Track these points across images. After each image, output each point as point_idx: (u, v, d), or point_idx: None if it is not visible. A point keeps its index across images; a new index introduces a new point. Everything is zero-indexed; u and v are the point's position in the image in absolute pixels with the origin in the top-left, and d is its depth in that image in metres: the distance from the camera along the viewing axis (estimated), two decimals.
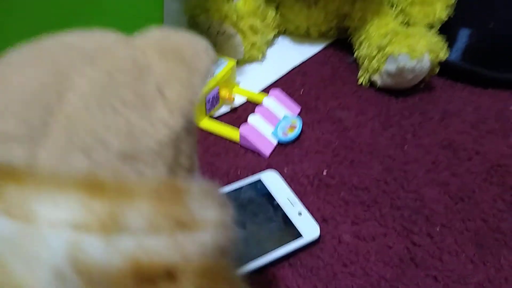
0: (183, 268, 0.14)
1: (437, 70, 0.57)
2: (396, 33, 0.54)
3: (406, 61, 0.52)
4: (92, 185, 0.13)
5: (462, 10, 0.62)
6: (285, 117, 0.53)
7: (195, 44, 0.17)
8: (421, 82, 0.58)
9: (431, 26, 0.60)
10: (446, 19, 0.60)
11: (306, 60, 0.65)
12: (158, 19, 0.40)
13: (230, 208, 0.16)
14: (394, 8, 0.62)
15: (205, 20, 0.56)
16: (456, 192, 0.46)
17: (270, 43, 0.67)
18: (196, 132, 0.19)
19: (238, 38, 0.58)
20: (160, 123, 0.15)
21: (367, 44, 0.59)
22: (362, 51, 0.60)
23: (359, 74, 0.60)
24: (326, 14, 0.64)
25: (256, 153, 0.49)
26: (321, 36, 0.68)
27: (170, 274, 0.14)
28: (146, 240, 0.14)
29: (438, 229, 0.42)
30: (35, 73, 0.15)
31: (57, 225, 0.12)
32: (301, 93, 0.59)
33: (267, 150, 0.49)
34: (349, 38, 0.65)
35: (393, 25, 0.58)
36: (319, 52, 0.67)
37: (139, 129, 0.15)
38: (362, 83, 0.60)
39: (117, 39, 0.17)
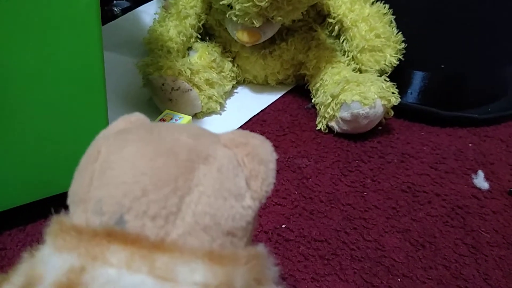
0: None
1: (392, 113, 0.58)
2: (347, 81, 0.55)
3: (359, 108, 0.53)
4: (212, 255, 0.18)
5: (414, 54, 0.63)
6: None
7: (267, 147, 0.22)
8: (378, 125, 0.59)
9: (383, 71, 0.61)
10: (397, 63, 0.62)
11: (265, 108, 0.66)
12: (100, 94, 0.40)
13: (276, 268, 0.22)
14: (346, 56, 0.63)
15: (158, 78, 0.56)
16: (417, 239, 0.45)
17: (229, 94, 0.67)
18: None
19: (194, 92, 0.58)
20: (249, 209, 0.20)
21: (322, 91, 0.59)
22: (318, 98, 0.60)
23: (317, 120, 0.60)
24: (282, 63, 0.65)
25: None
26: (280, 84, 0.69)
27: None
28: None
29: (399, 280, 0.41)
30: (166, 164, 0.19)
31: (194, 285, 0.16)
32: None
33: None
34: (307, 85, 0.66)
35: (345, 73, 0.59)
36: (277, 99, 0.67)
37: (238, 213, 0.20)
38: (320, 129, 0.60)
39: (213, 139, 0.22)
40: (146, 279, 0.16)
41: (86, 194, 0.19)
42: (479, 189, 0.51)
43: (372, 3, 0.63)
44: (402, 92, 0.60)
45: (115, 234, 0.17)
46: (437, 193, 0.51)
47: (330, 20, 0.64)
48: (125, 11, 0.74)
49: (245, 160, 0.21)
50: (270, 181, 0.22)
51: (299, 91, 0.69)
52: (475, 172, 0.53)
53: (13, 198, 0.42)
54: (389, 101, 0.55)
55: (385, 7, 0.63)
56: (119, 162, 0.19)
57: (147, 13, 0.75)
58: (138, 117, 0.26)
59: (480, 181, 0.52)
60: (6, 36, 0.34)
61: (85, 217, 0.19)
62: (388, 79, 0.58)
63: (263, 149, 0.22)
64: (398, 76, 0.63)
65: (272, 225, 0.46)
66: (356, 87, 0.54)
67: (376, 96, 0.53)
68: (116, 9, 0.74)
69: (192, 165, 0.19)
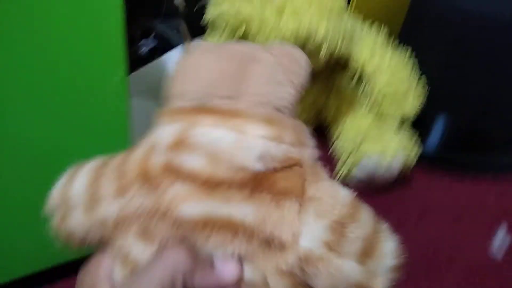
0: None
1: (412, 166, 0.58)
2: (369, 131, 0.56)
3: (380, 161, 0.53)
4: (269, 119, 0.23)
5: (436, 99, 0.63)
6: None
7: (300, 55, 0.27)
8: (399, 176, 0.58)
9: (405, 118, 0.61)
10: (419, 109, 0.61)
11: None
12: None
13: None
14: (368, 100, 0.63)
15: None
16: None
17: None
18: None
19: None
20: (290, 95, 0.25)
21: (343, 138, 0.60)
22: (339, 144, 0.61)
23: (338, 166, 0.61)
24: (304, 106, 0.66)
25: None
26: None
27: None
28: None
29: None
30: (228, 64, 0.25)
31: (258, 137, 0.22)
32: None
33: None
34: (327, 129, 0.66)
35: (366, 121, 0.59)
36: None
37: (283, 97, 0.24)
38: (340, 176, 0.60)
39: (261, 48, 0.27)
40: (228, 132, 0.23)
41: (174, 90, 0.26)
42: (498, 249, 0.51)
43: (393, 50, 0.63)
44: (423, 136, 0.60)
45: (203, 109, 0.24)
46: (454, 256, 0.51)
47: (352, 67, 0.64)
48: (152, 51, 0.76)
49: (284, 60, 0.26)
50: (303, 76, 0.27)
51: (319, 133, 0.69)
52: (497, 228, 0.53)
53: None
54: (409, 153, 0.55)
55: (406, 51, 0.62)
56: (194, 66, 0.26)
57: (175, 61, 0.77)
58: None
59: (500, 238, 0.52)
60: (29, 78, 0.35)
61: (179, 104, 0.26)
62: (409, 127, 0.58)
63: (298, 54, 0.27)
64: (419, 121, 0.62)
65: None
66: (378, 138, 0.54)
67: (397, 148, 0.53)
68: (143, 49, 0.76)
69: (246, 64, 0.25)
